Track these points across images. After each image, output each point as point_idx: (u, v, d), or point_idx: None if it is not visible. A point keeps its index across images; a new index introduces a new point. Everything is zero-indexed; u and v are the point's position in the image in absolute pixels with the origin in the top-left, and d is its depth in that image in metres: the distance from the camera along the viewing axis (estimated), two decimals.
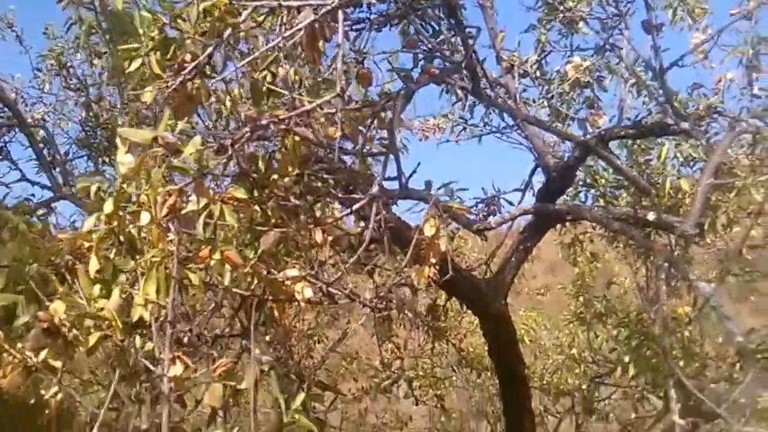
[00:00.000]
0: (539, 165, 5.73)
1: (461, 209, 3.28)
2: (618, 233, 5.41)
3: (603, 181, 6.89)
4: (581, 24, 6.40)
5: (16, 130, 7.84)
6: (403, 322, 8.52)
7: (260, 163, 3.01)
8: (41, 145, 7.79)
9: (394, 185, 4.01)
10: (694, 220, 4.65)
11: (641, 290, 6.79)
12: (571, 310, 8.98)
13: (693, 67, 5.80)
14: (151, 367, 2.45)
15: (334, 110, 3.00)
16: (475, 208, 6.09)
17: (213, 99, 3.65)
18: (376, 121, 3.54)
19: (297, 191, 3.30)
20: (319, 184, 3.38)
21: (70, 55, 8.11)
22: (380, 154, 3.90)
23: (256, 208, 3.13)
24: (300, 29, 2.57)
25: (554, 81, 6.61)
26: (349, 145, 3.67)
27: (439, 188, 3.27)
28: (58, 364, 2.52)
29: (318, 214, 3.29)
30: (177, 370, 2.40)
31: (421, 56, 4.12)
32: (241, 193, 2.60)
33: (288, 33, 2.62)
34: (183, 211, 2.58)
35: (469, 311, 9.79)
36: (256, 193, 3.16)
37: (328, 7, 2.58)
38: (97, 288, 2.58)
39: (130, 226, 2.68)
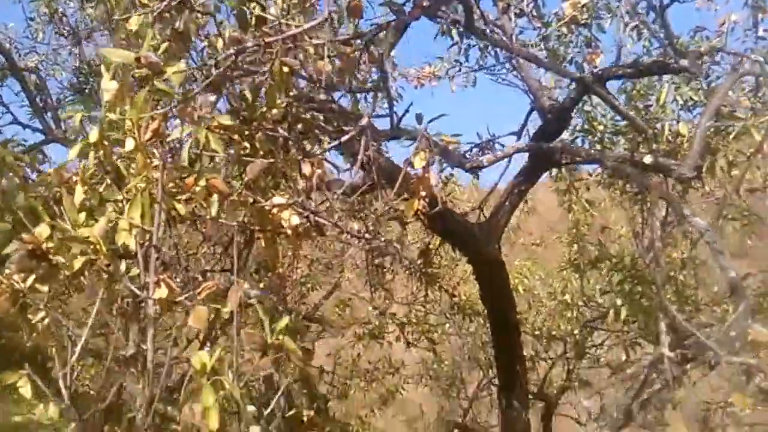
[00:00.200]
0: (535, 107, 5.67)
1: (452, 142, 3.22)
2: (613, 171, 5.34)
3: (601, 127, 6.82)
4: None
5: (8, 75, 7.76)
6: (396, 269, 8.54)
7: (247, 93, 2.94)
8: (33, 91, 7.72)
9: (386, 126, 3.96)
10: (692, 163, 4.59)
11: (636, 236, 6.76)
12: (565, 258, 8.98)
13: (697, 9, 5.70)
14: (137, 290, 2.42)
15: (322, 42, 2.93)
16: (469, 152, 6.05)
17: (205, 43, 3.59)
18: (366, 57, 3.46)
19: (285, 124, 3.24)
20: (308, 116, 3.32)
21: (63, 2, 8.03)
22: (370, 90, 3.83)
23: (246, 144, 3.09)
24: None
25: (551, 23, 6.49)
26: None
27: (429, 121, 3.21)
28: (44, 288, 2.49)
29: (308, 147, 3.24)
30: (162, 292, 2.37)
31: None
32: (226, 120, 2.54)
33: None
34: (168, 138, 2.53)
35: (463, 260, 9.82)
36: (245, 132, 3.11)
37: None
38: (83, 215, 2.55)
39: (116, 157, 2.63)
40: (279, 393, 3.28)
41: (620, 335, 7.71)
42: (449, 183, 7.15)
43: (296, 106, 3.20)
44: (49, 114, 7.94)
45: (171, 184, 2.68)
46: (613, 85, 5.80)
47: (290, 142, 3.22)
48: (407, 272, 8.74)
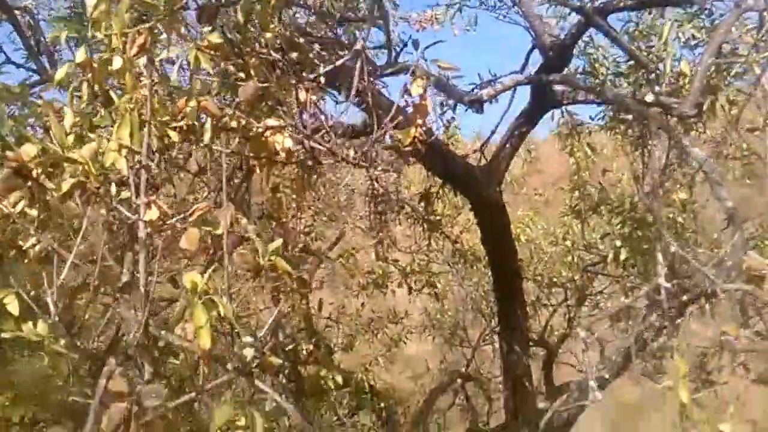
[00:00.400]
0: (536, 45, 5.59)
1: (450, 68, 3.16)
2: (612, 103, 5.25)
3: (603, 69, 6.74)
4: None
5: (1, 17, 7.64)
6: (398, 215, 8.53)
7: (239, 16, 2.88)
8: (27, 32, 7.61)
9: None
10: (694, 100, 4.54)
11: (637, 179, 6.72)
12: (566, 205, 8.95)
13: None
14: (127, 213, 2.41)
15: None
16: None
17: None
18: None
19: (280, 53, 3.19)
20: (303, 41, 3.26)
21: None
22: (365, 20, 3.77)
23: (240, 74, 3.05)
24: None
25: None
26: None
27: (426, 47, 3.15)
28: (33, 212, 2.48)
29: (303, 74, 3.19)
30: (152, 214, 2.36)
31: None
32: (215, 38, 2.49)
33: None
34: (157, 59, 2.49)
35: (465, 209, 9.82)
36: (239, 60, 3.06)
37: None
38: (71, 138, 2.52)
39: (104, 77, 2.59)
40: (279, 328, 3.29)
41: (621, 280, 7.70)
42: (451, 127, 7.09)
43: (291, 32, 3.15)
44: (44, 56, 7.86)
45: (163, 111, 2.65)
46: (615, 27, 5.71)
47: (285, 67, 3.17)
48: (409, 219, 8.75)
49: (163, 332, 2.65)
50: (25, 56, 7.84)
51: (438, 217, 8.62)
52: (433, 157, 5.84)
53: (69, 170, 2.43)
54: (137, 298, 2.47)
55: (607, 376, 6.08)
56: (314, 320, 8.24)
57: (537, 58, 6.22)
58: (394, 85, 7.99)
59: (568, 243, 8.94)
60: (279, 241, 2.42)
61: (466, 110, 6.08)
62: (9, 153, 2.27)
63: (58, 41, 4.31)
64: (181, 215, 2.37)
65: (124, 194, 2.48)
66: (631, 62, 6.20)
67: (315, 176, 8.35)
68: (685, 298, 3.37)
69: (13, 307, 2.19)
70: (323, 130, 2.98)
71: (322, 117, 3.08)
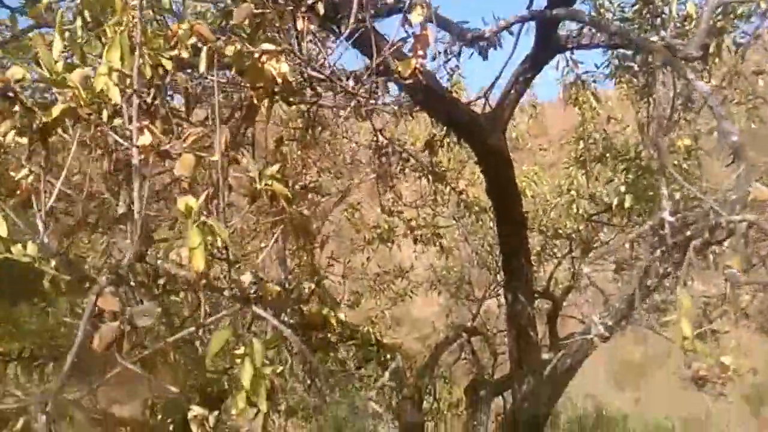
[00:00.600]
0: None
1: None
2: (616, 36, 5.15)
3: (609, 15, 6.65)
4: None
5: None
6: (403, 167, 8.48)
7: None
8: None
9: None
10: (699, 42, 4.46)
11: (642, 128, 6.66)
12: (571, 157, 8.90)
13: None
14: (119, 139, 2.37)
15: None
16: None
17: None
18: None
19: None
20: None
21: None
22: None
23: None
24: None
25: None
26: None
27: None
28: (24, 140, 2.45)
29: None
30: (146, 139, 2.32)
31: None
32: None
33: None
34: None
35: (471, 162, 9.75)
36: None
37: None
38: (60, 64, 2.48)
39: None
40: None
41: (625, 229, 7.68)
42: (454, 75, 7.00)
43: None
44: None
45: (155, 40, 2.60)
46: None
47: None
48: (414, 172, 8.71)
49: (159, 262, 2.64)
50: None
51: (443, 169, 8.57)
52: (436, 103, 5.79)
53: (60, 99, 2.40)
54: (133, 226, 2.44)
55: (610, 323, 6.08)
56: (317, 260, 8.19)
57: (542, 2, 6.13)
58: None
59: (573, 194, 8.89)
60: (276, 166, 2.39)
61: (471, 56, 6.01)
62: None
63: None
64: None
65: (117, 121, 2.44)
66: (637, 6, 6.11)
67: (319, 128, 8.32)
68: (689, 233, 3.33)
69: (1, 228, 2.17)
70: (322, 58, 2.93)
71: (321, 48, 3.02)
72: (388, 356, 9.28)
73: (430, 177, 8.48)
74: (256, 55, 2.63)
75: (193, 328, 3.10)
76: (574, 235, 9.29)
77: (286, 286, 3.62)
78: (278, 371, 2.59)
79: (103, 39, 2.57)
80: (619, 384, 21.24)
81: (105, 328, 2.03)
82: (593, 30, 5.17)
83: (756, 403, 18.98)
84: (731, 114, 6.57)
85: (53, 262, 2.17)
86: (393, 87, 4.78)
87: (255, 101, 2.99)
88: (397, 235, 10.44)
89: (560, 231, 9.36)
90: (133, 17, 2.36)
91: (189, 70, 3.05)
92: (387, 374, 7.94)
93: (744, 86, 6.18)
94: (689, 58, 4.66)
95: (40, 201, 2.24)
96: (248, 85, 2.87)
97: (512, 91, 6.05)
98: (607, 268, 9.02)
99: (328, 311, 3.76)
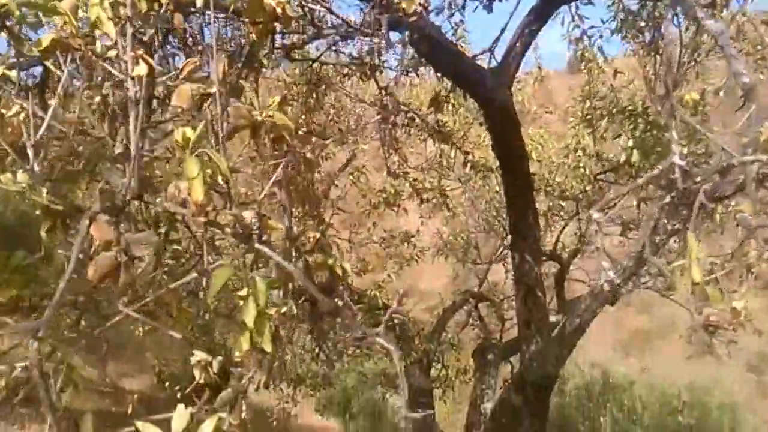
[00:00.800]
0: None
1: None
2: None
3: None
4: None
5: None
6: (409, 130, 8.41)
7: None
8: None
9: None
10: None
11: (648, 83, 6.55)
12: (578, 116, 8.79)
13: None
14: (113, 70, 2.31)
15: None
16: None
17: None
18: None
19: None
20: None
21: None
22: None
23: None
24: None
25: None
26: None
27: None
28: (13, 74, 2.39)
29: None
30: (141, 69, 2.26)
31: None
32: None
33: None
34: None
35: (476, 123, 9.68)
36: None
37: None
38: None
39: None
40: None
41: (633, 191, 7.58)
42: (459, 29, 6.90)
43: None
44: None
45: None
46: None
47: None
48: (420, 132, 8.63)
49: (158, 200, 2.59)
50: None
51: (449, 129, 8.49)
52: (441, 56, 5.70)
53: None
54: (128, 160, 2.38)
55: (618, 281, 6.03)
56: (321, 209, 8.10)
57: None
58: None
59: (579, 154, 8.80)
60: (277, 97, 2.33)
61: (475, 9, 5.92)
62: None
63: None
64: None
65: (112, 53, 2.38)
66: None
67: (323, 87, 8.23)
68: (698, 179, 3.25)
69: None
70: None
71: None
72: (395, 320, 9.26)
73: (436, 137, 8.40)
74: None
75: (195, 275, 3.05)
76: (581, 196, 9.21)
77: (290, 232, 3.56)
78: (283, 311, 2.55)
79: None
80: (625, 352, 21.31)
81: (101, 257, 1.98)
82: None
83: (759, 371, 19.02)
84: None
85: (45, 190, 2.11)
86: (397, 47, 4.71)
87: (255, 37, 2.92)
88: (403, 198, 10.37)
89: (567, 193, 9.28)
90: None
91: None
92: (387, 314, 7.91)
93: (753, 36, 6.06)
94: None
95: (30, 133, 2.16)
96: (248, 20, 2.80)
97: (517, 44, 5.95)
98: (613, 233, 8.95)
99: (334, 261, 3.71)
